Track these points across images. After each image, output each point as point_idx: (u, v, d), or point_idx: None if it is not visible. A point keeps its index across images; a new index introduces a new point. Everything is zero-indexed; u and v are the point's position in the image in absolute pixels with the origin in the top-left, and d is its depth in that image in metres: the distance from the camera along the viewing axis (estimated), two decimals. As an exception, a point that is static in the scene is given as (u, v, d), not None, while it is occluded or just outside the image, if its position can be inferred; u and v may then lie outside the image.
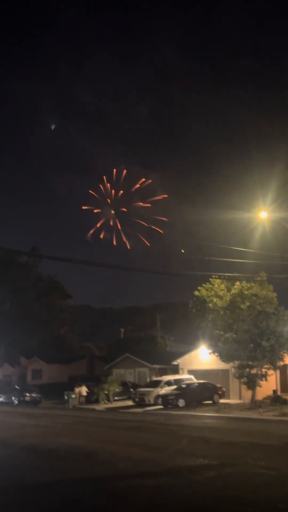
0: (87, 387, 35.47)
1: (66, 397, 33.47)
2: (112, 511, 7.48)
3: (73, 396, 33.63)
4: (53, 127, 61.22)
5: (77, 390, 34.80)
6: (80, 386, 35.37)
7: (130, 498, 8.12)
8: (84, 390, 35.03)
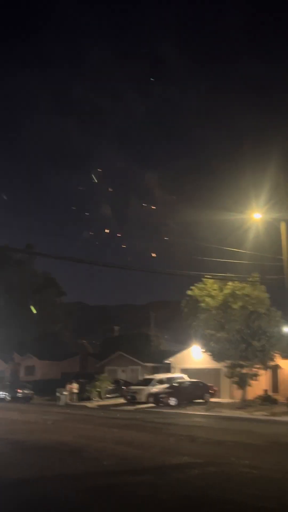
0: (79, 384, 35.56)
1: (57, 394, 33.53)
2: (92, 507, 7.54)
3: (65, 393, 33.71)
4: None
5: (68, 387, 34.86)
6: (71, 383, 35.45)
7: (111, 495, 8.18)
8: (75, 387, 35.11)
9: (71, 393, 34.73)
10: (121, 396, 34.95)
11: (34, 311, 46.11)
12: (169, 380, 33.20)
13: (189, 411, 26.68)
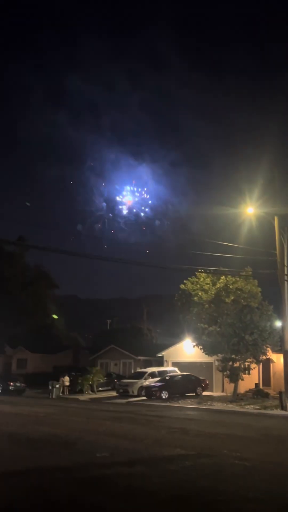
0: (72, 377, 35.60)
1: (50, 387, 33.53)
2: (85, 498, 7.56)
3: (57, 386, 33.72)
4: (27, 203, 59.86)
5: (60, 380, 34.93)
6: (63, 376, 35.50)
7: (104, 486, 8.22)
8: (67, 380, 35.17)
9: (63, 386, 34.78)
10: (113, 389, 35.05)
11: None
12: (161, 373, 33.33)
13: (181, 404, 26.80)
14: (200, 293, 28.25)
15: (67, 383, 35.03)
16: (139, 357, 41.51)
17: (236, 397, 27.80)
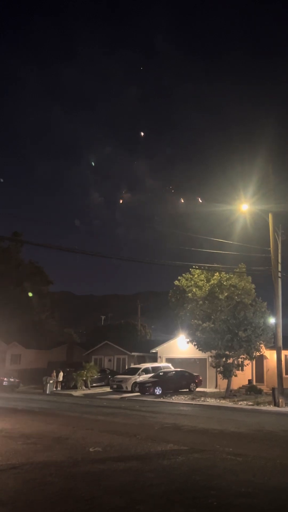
0: (65, 373, 35.65)
1: (44, 383, 33.58)
2: (79, 493, 7.60)
3: (51, 381, 33.77)
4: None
5: (53, 375, 34.99)
6: (57, 372, 35.56)
7: (97, 481, 8.26)
8: (60, 375, 35.24)
9: (57, 381, 34.84)
10: (107, 385, 35.15)
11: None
12: (155, 369, 33.46)
13: (175, 400, 26.91)
14: (194, 290, 28.28)
15: (61, 379, 35.11)
16: (133, 353, 41.61)
17: (229, 393, 27.94)
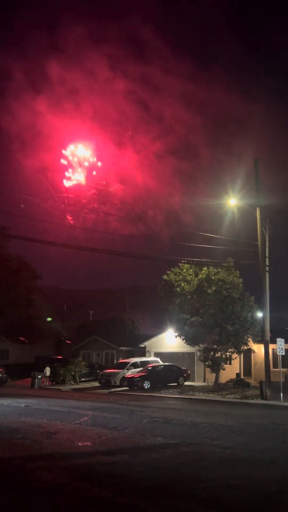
0: (53, 368, 35.53)
1: (32, 378, 33.43)
2: (68, 487, 7.57)
3: (39, 376, 33.64)
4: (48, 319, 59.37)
5: (46, 370, 34.98)
6: (45, 367, 35.47)
7: (85, 474, 8.24)
8: (48, 371, 35.13)
9: (44, 376, 34.72)
10: (96, 380, 35.11)
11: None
12: (143, 364, 33.50)
13: (163, 394, 26.99)
14: (182, 284, 28.31)
15: (48, 374, 35.03)
16: (122, 348, 41.63)
17: (218, 387, 28.09)
